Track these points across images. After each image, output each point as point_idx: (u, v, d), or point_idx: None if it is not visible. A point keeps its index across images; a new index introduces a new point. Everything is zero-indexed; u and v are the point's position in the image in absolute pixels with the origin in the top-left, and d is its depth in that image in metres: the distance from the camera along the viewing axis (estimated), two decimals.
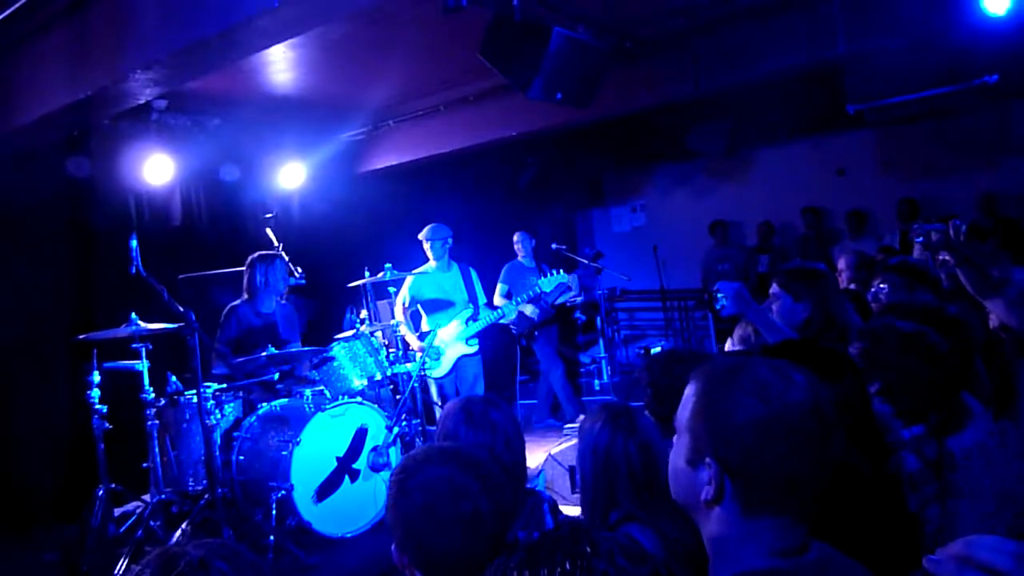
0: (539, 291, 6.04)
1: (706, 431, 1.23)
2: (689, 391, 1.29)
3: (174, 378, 4.65)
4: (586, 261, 8.00)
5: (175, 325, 4.25)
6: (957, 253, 3.03)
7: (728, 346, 3.29)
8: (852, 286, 4.63)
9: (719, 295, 2.89)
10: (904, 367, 2.03)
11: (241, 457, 4.66)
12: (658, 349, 8.60)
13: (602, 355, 9.14)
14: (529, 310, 6.40)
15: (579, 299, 8.22)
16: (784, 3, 5.28)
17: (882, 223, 8.59)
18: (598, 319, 9.11)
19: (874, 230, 8.59)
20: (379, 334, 5.49)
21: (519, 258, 7.15)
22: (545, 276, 6.15)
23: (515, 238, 7.20)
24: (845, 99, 5.47)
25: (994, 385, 2.77)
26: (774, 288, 3.10)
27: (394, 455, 4.79)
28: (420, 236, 6.01)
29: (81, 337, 4.28)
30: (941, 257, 2.95)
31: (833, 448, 1.23)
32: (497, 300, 6.64)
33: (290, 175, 6.96)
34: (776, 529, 1.20)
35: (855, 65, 5.27)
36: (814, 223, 9.00)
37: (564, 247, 7.30)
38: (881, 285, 3.55)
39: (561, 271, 6.13)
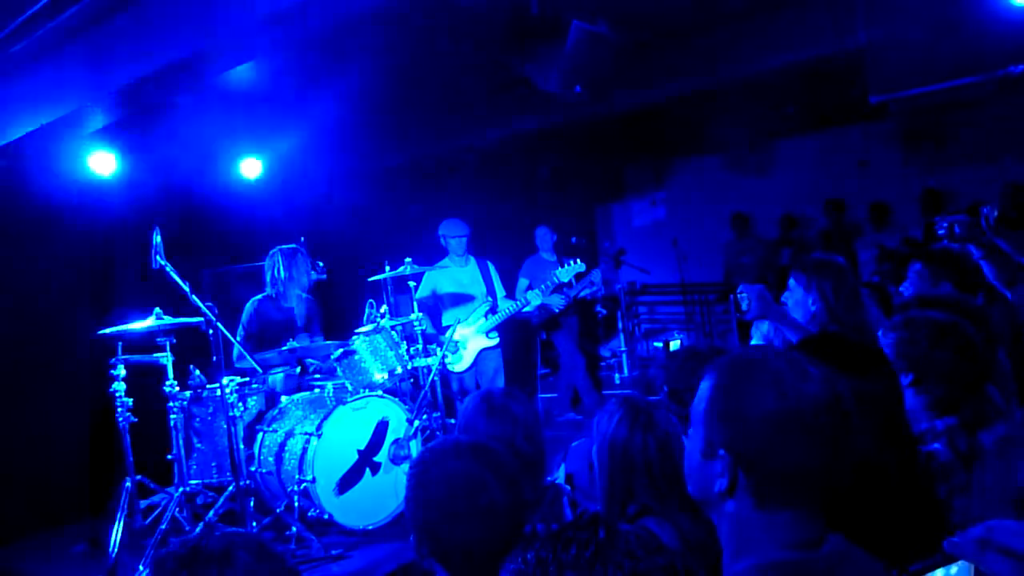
0: (557, 280, 6.06)
1: (720, 423, 1.23)
2: (705, 384, 1.29)
3: (197, 371, 4.70)
4: (607, 256, 7.99)
5: (198, 319, 4.30)
6: (983, 244, 3.01)
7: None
8: (874, 278, 4.60)
9: (743, 295, 2.89)
10: (940, 358, 2.04)
11: (264, 449, 4.72)
12: (677, 343, 8.61)
13: (622, 349, 9.15)
14: (553, 300, 6.40)
15: (599, 293, 8.22)
16: None
17: (905, 215, 8.49)
18: (619, 313, 9.10)
19: (897, 222, 8.48)
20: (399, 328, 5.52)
21: (540, 252, 7.16)
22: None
23: (536, 232, 7.21)
24: (867, 90, 5.41)
25: (1020, 378, 2.75)
26: (789, 280, 3.10)
27: (415, 448, 4.82)
28: (437, 232, 6.03)
29: (106, 331, 4.33)
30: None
31: (851, 442, 1.22)
32: (518, 295, 6.65)
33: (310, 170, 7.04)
34: (790, 522, 1.20)
35: (877, 56, 5.20)
36: (836, 215, 8.89)
37: (584, 240, 7.29)
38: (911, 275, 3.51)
39: (578, 260, 6.14)
